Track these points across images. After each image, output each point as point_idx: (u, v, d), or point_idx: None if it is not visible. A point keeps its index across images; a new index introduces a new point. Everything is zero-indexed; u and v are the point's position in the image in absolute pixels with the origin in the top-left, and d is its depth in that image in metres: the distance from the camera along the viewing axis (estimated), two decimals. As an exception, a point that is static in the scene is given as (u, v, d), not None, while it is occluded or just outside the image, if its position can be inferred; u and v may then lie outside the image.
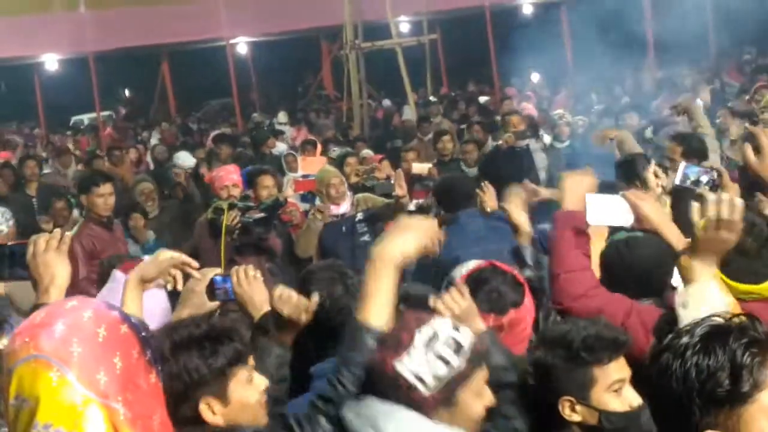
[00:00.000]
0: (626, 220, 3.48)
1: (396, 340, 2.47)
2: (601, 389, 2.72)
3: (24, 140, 24.15)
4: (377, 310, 2.63)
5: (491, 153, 9.87)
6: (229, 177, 7.83)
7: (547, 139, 10.77)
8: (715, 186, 4.13)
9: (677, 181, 4.17)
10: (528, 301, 3.46)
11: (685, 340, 1.94)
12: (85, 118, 29.39)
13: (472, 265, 4.09)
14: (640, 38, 20.30)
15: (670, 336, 1.96)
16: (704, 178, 4.17)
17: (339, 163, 8.69)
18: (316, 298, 3.38)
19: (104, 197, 7.07)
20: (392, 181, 8.13)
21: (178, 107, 28.32)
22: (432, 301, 3.11)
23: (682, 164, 4.34)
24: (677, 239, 3.30)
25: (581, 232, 3.56)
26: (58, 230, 2.87)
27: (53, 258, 2.78)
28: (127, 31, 22.92)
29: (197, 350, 2.53)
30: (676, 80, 17.36)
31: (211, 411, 2.51)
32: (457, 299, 3.09)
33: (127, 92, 36.36)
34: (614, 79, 19.24)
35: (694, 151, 6.10)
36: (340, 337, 2.82)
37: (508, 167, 8.76)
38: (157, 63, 27.52)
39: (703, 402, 1.92)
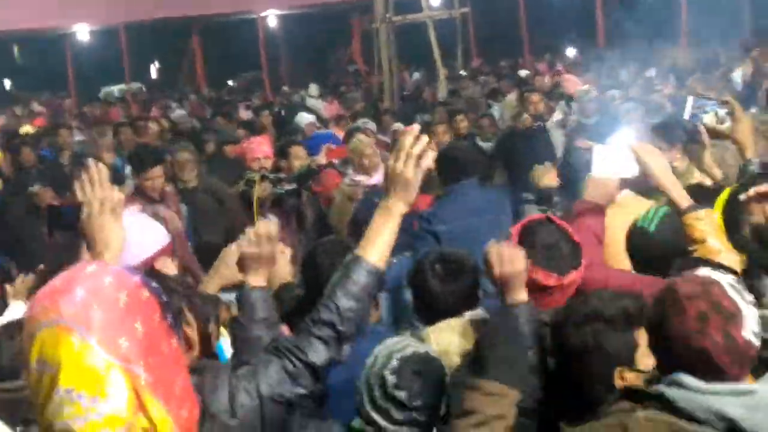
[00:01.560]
0: (632, 171, 3.44)
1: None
2: (642, 352, 2.69)
3: (53, 110, 24.29)
4: (377, 249, 2.65)
5: (506, 133, 9.79)
6: (260, 149, 7.81)
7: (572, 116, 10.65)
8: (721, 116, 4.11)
9: (686, 115, 4.12)
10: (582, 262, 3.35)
11: None
12: (115, 89, 29.51)
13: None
14: (674, 13, 20.07)
15: None
16: (711, 108, 4.13)
17: (280, 152, 8.52)
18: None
19: (152, 180, 6.94)
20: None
21: (208, 80, 28.37)
22: (488, 248, 3.03)
23: (690, 98, 4.28)
24: (680, 196, 3.25)
25: (597, 220, 3.57)
26: (113, 192, 2.73)
27: (108, 221, 2.67)
28: (158, 2, 22.96)
29: None
30: (710, 57, 17.14)
31: None
32: (514, 258, 3.00)
33: (156, 64, 36.43)
34: (647, 55, 19.05)
35: None
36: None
37: (523, 148, 8.71)
38: (188, 35, 27.56)
39: None
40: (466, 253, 3.70)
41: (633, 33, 18.23)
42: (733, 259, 3.11)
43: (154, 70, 36.59)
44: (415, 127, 2.77)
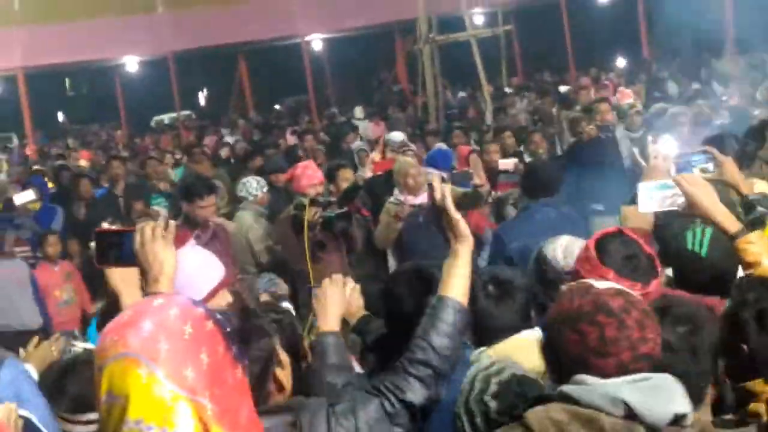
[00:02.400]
0: (678, 203, 3.43)
1: (649, 314, 2.47)
2: None
3: (105, 141, 24.69)
4: (458, 285, 2.82)
5: (574, 143, 9.79)
6: (316, 176, 7.84)
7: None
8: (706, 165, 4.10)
9: (673, 172, 4.09)
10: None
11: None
12: (166, 117, 29.92)
13: (564, 241, 4.11)
14: (719, 25, 19.91)
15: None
16: (696, 163, 4.12)
17: (328, 175, 8.60)
18: None
19: (205, 209, 7.02)
20: (470, 171, 8.15)
21: (255, 105, 28.63)
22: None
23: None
24: (729, 222, 3.24)
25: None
26: (163, 218, 2.88)
27: (161, 246, 2.77)
28: (204, 31, 23.28)
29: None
30: (758, 64, 16.97)
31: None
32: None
33: (205, 91, 36.87)
34: (693, 67, 18.93)
35: None
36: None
37: (592, 157, 8.71)
38: (234, 61, 27.87)
39: None
40: (518, 272, 3.71)
41: (679, 44, 18.14)
42: None
43: (202, 98, 37.05)
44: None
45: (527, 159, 9.82)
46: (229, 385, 1.93)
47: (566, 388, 2.36)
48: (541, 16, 24.42)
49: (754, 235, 3.15)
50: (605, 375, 2.37)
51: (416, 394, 2.61)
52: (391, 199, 8.02)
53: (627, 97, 13.03)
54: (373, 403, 2.59)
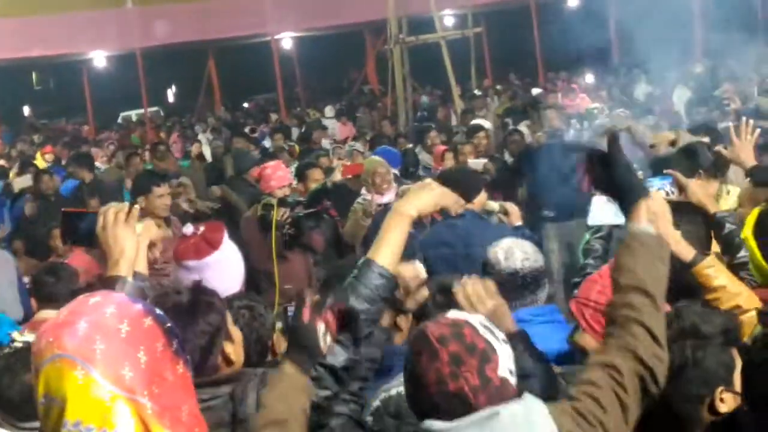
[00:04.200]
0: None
1: (474, 351, 2.28)
2: (737, 371, 2.67)
3: (71, 136, 24.48)
4: (387, 252, 2.73)
5: (525, 150, 9.81)
6: (286, 177, 7.87)
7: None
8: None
9: None
10: None
11: None
12: (133, 114, 29.73)
13: (506, 243, 4.11)
14: (687, 28, 20.07)
15: None
16: (656, 186, 4.14)
17: (298, 174, 8.58)
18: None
19: (163, 198, 7.08)
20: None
21: (224, 102, 28.53)
22: (456, 290, 3.02)
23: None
24: (684, 249, 3.18)
25: None
26: (126, 203, 2.87)
27: (122, 231, 2.79)
28: (173, 27, 23.14)
29: None
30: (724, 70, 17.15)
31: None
32: (481, 294, 2.99)
33: (173, 88, 36.69)
34: (662, 70, 19.05)
35: None
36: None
37: (541, 164, 8.74)
38: (204, 59, 27.74)
39: None
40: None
41: (647, 50, 18.23)
42: (754, 299, 3.13)
43: (171, 94, 36.87)
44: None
45: (507, 158, 9.87)
46: (170, 382, 1.92)
47: None
48: (511, 18, 24.51)
49: (710, 260, 3.12)
50: (436, 413, 2.25)
51: (336, 357, 2.63)
52: (359, 199, 8.05)
53: (585, 102, 13.16)
54: None
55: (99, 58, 25.08)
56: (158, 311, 1.99)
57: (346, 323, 2.65)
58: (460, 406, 2.21)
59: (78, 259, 8.24)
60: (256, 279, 7.39)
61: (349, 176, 8.05)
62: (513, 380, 2.28)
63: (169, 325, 1.97)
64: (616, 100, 14.93)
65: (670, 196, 4.11)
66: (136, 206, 2.86)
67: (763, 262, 3.26)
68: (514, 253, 4.02)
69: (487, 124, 11.41)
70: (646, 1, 17.91)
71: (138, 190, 7.17)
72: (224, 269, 3.14)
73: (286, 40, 27.22)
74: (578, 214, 5.22)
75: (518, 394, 2.28)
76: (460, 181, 6.18)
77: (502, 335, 2.35)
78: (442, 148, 10.25)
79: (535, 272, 3.95)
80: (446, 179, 6.53)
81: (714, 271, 3.10)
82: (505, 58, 26.08)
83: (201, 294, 2.92)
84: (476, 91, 19.36)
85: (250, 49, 28.19)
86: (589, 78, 20.15)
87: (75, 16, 22.32)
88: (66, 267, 5.82)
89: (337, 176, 7.62)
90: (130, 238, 2.80)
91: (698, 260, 3.12)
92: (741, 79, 14.54)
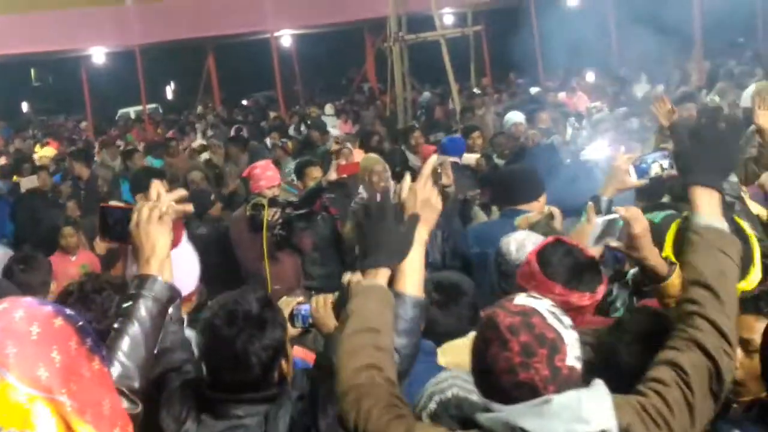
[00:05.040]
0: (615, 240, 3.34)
1: (544, 342, 2.29)
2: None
3: (70, 132, 24.48)
4: (413, 280, 2.75)
5: (516, 151, 9.81)
6: (276, 177, 7.82)
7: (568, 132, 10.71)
8: (664, 170, 4.14)
9: (633, 175, 4.11)
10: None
11: None
12: (131, 110, 29.72)
13: (520, 236, 4.12)
14: (687, 28, 20.08)
15: None
16: (657, 164, 4.15)
17: (297, 172, 8.56)
18: None
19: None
20: (439, 170, 8.14)
21: (223, 99, 28.50)
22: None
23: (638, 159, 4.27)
24: (660, 264, 3.17)
25: None
26: (163, 200, 2.79)
27: (155, 228, 2.72)
28: (172, 24, 23.13)
29: None
30: (723, 70, 17.14)
31: None
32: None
33: (172, 85, 36.67)
34: (661, 69, 19.08)
35: None
36: None
37: (535, 163, 8.74)
38: (203, 56, 27.72)
39: None
40: (464, 278, 3.73)
41: (647, 48, 18.25)
42: None
43: (169, 91, 36.85)
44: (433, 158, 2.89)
45: (496, 160, 9.85)
46: (87, 379, 1.92)
47: (479, 416, 2.30)
48: (511, 17, 24.49)
49: (678, 269, 3.09)
50: (500, 396, 2.28)
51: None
52: (357, 198, 8.00)
53: (583, 101, 13.18)
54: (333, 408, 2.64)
55: (98, 55, 25.06)
56: (68, 311, 2.00)
57: None
58: (529, 394, 2.24)
59: (84, 258, 8.25)
60: (244, 279, 7.42)
61: (345, 176, 8.01)
62: (579, 366, 2.30)
63: (81, 323, 1.98)
64: (615, 99, 14.92)
65: (667, 171, 4.14)
66: (173, 204, 2.79)
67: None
68: (526, 245, 4.04)
69: (520, 117, 11.28)
70: (645, 1, 17.93)
71: (137, 187, 7.14)
72: (179, 268, 3.13)
73: (286, 38, 27.21)
74: (571, 213, 5.19)
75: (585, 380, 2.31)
76: (524, 182, 6.11)
77: (568, 321, 2.36)
78: (431, 148, 10.18)
79: None
80: (503, 179, 6.47)
81: (677, 280, 3.07)
82: (504, 56, 26.02)
83: (269, 307, 2.93)
84: (475, 90, 19.35)
85: (249, 47, 28.17)
86: (590, 77, 20.16)
87: (74, 13, 22.31)
88: (39, 258, 5.71)
89: (333, 175, 7.57)
90: (163, 236, 2.73)
91: (672, 272, 3.11)
92: (738, 79, 14.50)
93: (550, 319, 2.31)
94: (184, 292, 3.08)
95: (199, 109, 26.72)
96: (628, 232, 3.16)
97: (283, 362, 2.95)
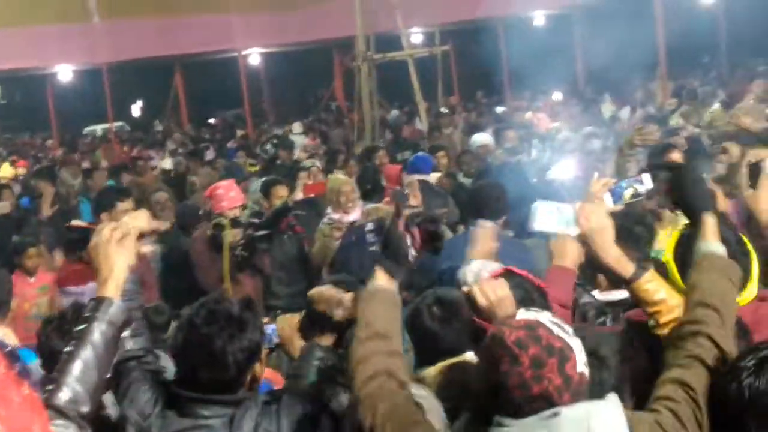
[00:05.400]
0: (572, 229, 3.33)
1: (553, 352, 2.34)
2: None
3: (36, 150, 24.27)
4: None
5: (483, 169, 9.86)
6: (239, 197, 7.80)
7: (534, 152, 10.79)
8: (638, 195, 4.20)
9: (608, 200, 4.15)
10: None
11: (742, 363, 2.14)
12: (98, 128, 29.53)
13: (475, 266, 4.15)
14: (651, 49, 20.31)
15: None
16: (631, 188, 4.20)
17: (263, 191, 8.57)
18: (350, 295, 3.44)
19: (127, 213, 7.00)
20: (406, 191, 8.16)
21: (191, 117, 28.40)
22: (466, 288, 3.09)
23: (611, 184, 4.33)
24: (623, 268, 3.12)
25: (564, 288, 3.66)
26: (125, 221, 2.80)
27: (114, 250, 2.70)
28: (140, 42, 23.03)
29: None
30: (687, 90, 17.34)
31: None
32: (495, 286, 3.04)
33: (139, 103, 36.50)
34: (626, 89, 19.27)
35: None
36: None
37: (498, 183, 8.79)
38: (170, 74, 27.63)
39: (757, 421, 2.27)
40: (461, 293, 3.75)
41: (612, 69, 18.42)
42: None
43: (137, 109, 36.67)
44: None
45: (461, 179, 9.89)
46: (17, 404, 1.90)
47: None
48: (479, 37, 24.62)
49: (650, 275, 3.09)
50: (514, 412, 2.32)
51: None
52: (325, 219, 8.00)
53: (544, 122, 13.29)
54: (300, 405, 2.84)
55: (65, 72, 24.89)
56: None
57: (431, 239, 2.92)
58: (545, 406, 2.28)
59: (43, 279, 8.18)
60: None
61: (311, 195, 8.02)
62: (587, 372, 2.35)
63: (9, 349, 1.98)
64: (580, 120, 15.04)
65: (640, 195, 4.20)
66: (134, 225, 2.80)
67: (682, 285, 3.25)
68: (482, 276, 4.06)
69: (488, 138, 11.36)
70: (610, 21, 18.12)
71: (101, 206, 7.09)
72: None
73: (254, 56, 27.17)
74: (537, 233, 5.24)
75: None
76: (492, 198, 6.17)
77: (570, 329, 2.41)
78: (396, 167, 10.19)
79: None
80: (472, 195, 6.49)
81: (654, 286, 3.07)
82: (472, 76, 26.19)
83: (249, 310, 2.96)
84: (443, 109, 19.43)
85: (217, 65, 28.11)
86: (556, 96, 20.31)
87: (41, 30, 22.14)
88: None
89: (299, 195, 7.57)
90: (123, 258, 2.72)
91: (638, 275, 3.08)
92: (702, 99, 14.70)
93: (555, 330, 2.37)
94: None
95: (156, 125, 26.57)
96: (581, 230, 3.16)
97: (257, 365, 2.97)
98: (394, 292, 2.70)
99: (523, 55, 18.38)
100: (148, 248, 6.97)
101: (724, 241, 3.27)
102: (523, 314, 2.45)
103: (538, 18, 23.97)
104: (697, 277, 2.75)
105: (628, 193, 4.18)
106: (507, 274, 3.42)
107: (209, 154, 16.29)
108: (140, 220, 2.88)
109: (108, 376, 2.63)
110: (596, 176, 4.33)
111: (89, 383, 2.51)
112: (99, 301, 2.64)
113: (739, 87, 16.01)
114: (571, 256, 3.71)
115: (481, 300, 3.01)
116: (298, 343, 3.59)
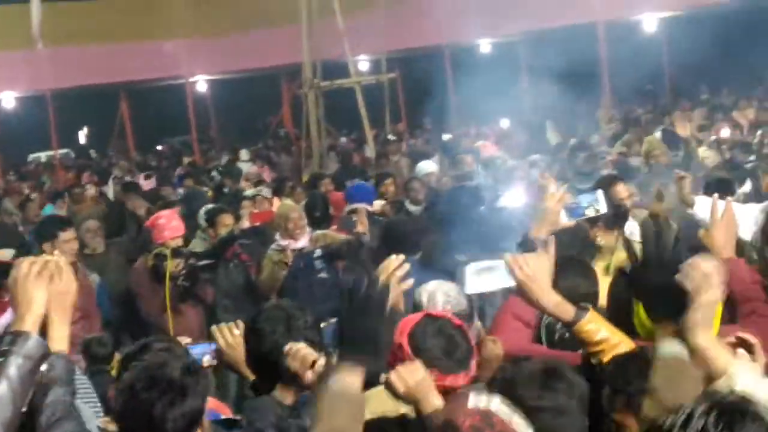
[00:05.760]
0: (508, 281, 3.30)
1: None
2: None
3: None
4: None
5: (436, 194, 9.90)
6: (180, 227, 7.77)
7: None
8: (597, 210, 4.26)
9: (564, 217, 4.21)
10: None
11: (668, 421, 2.15)
12: (42, 155, 29.17)
13: (431, 286, 4.15)
14: (596, 77, 20.61)
15: None
16: (592, 208, 4.27)
17: (208, 220, 8.54)
18: (323, 360, 3.30)
19: (69, 243, 6.94)
20: (354, 218, 8.17)
21: (138, 144, 28.19)
22: (383, 377, 3.01)
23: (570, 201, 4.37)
24: (562, 311, 3.16)
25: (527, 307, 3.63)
26: (44, 256, 2.79)
27: (32, 284, 2.69)
28: (85, 68, 22.86)
29: None
30: (631, 118, 17.63)
31: None
32: (410, 372, 2.99)
33: (85, 129, 36.14)
34: (570, 116, 19.47)
35: None
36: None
37: (452, 208, 8.83)
38: (116, 100, 27.43)
39: None
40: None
41: (558, 96, 18.62)
42: (631, 345, 3.16)
43: (82, 136, 36.30)
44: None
45: (409, 206, 9.88)
46: None
47: None
48: (426, 64, 24.78)
49: (588, 316, 3.12)
50: None
51: None
52: (273, 245, 7.97)
53: (488, 149, 13.43)
54: None
55: (8, 99, 24.59)
56: None
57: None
58: None
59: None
60: (146, 331, 7.32)
61: (258, 223, 8.01)
62: None
63: None
64: (526, 147, 15.18)
65: (598, 212, 4.25)
66: (53, 259, 2.78)
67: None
68: (436, 295, 4.08)
69: (433, 166, 11.44)
70: (555, 49, 18.32)
71: (42, 236, 7.01)
72: None
73: (201, 83, 27.07)
74: (490, 256, 5.28)
75: None
76: (406, 235, 6.18)
77: (521, 417, 2.43)
78: (339, 195, 10.18)
79: (457, 315, 3.96)
80: (386, 230, 6.53)
81: (595, 326, 3.10)
82: (419, 103, 26.33)
83: (192, 374, 2.90)
84: (390, 136, 19.50)
85: (163, 92, 27.94)
86: (503, 123, 20.47)
87: (-17, 57, 21.92)
88: None
89: (245, 223, 7.56)
90: (40, 293, 2.70)
91: (579, 317, 3.11)
92: (646, 127, 14.93)
93: (508, 416, 2.39)
94: None
95: (92, 154, 26.35)
96: (516, 281, 3.17)
97: (198, 431, 2.92)
98: (360, 397, 2.58)
99: (469, 83, 18.53)
100: (94, 277, 6.93)
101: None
102: (474, 399, 2.43)
103: (484, 46, 24.18)
104: (657, 379, 2.71)
105: (589, 212, 4.24)
106: (427, 320, 3.35)
107: (150, 184, 16.12)
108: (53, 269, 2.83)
109: (24, 410, 2.58)
110: (552, 189, 4.37)
111: (4, 418, 2.47)
112: (16, 335, 2.60)
113: (682, 115, 16.29)
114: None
115: (399, 387, 2.96)
116: (242, 358, 3.53)
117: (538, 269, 3.12)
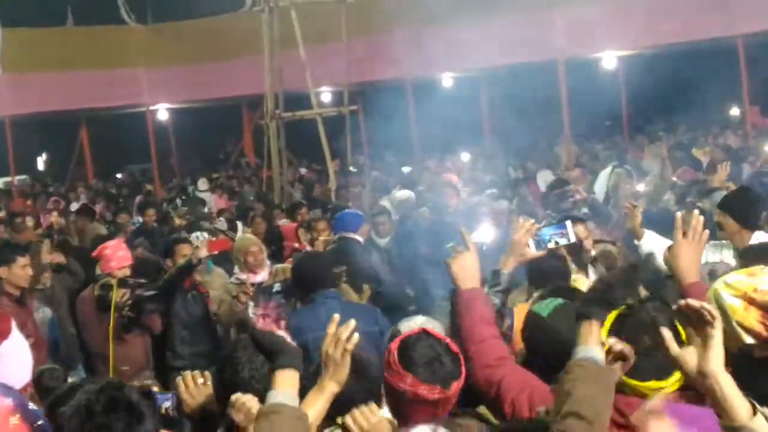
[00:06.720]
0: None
1: None
2: None
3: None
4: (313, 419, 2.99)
5: (401, 228, 9.93)
6: (127, 257, 7.73)
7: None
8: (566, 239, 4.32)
9: (533, 249, 4.27)
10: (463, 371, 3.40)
11: None
12: (0, 182, 28.86)
13: (419, 320, 4.19)
14: (555, 112, 20.81)
15: None
16: (558, 239, 4.33)
17: (165, 250, 8.53)
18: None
19: (26, 268, 6.90)
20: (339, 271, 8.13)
21: (97, 173, 27.99)
22: (341, 419, 3.11)
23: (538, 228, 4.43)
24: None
25: (484, 306, 3.67)
26: None
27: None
28: (44, 95, 22.70)
29: None
30: (589, 154, 17.81)
31: None
32: (365, 415, 3.10)
33: (44, 156, 35.83)
34: (530, 152, 19.65)
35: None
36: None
37: (413, 240, 8.87)
38: (76, 128, 27.24)
39: None
40: (366, 355, 3.75)
41: (518, 131, 18.79)
42: None
43: (41, 162, 35.96)
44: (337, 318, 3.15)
45: (375, 238, 9.84)
46: None
47: None
48: (388, 97, 24.90)
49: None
50: None
51: None
52: (232, 278, 7.92)
53: (453, 179, 13.53)
54: None
55: (-34, 126, 24.35)
56: (30, 406, 1.91)
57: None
58: None
59: None
60: (92, 361, 7.27)
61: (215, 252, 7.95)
62: None
63: (40, 422, 1.89)
64: (487, 181, 15.28)
65: (559, 246, 4.30)
66: None
67: None
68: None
69: (408, 193, 11.56)
70: (516, 84, 18.53)
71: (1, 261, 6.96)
72: (15, 358, 3.01)
73: (162, 112, 26.98)
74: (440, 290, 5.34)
75: None
76: (320, 270, 6.23)
77: None
78: (292, 225, 10.13)
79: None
80: (299, 268, 6.56)
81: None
82: (381, 135, 26.41)
83: (148, 400, 2.85)
84: (351, 168, 19.52)
85: (124, 119, 27.79)
86: (464, 156, 20.58)
87: (-59, 83, 21.71)
88: None
89: (203, 252, 7.50)
90: None
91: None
92: (604, 162, 15.07)
93: None
94: (17, 386, 2.97)
95: (36, 187, 26.15)
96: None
97: None
98: (299, 410, 2.62)
99: (431, 116, 18.64)
100: (47, 312, 6.86)
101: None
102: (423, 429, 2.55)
103: (446, 80, 24.34)
104: (569, 383, 2.74)
105: (551, 243, 4.29)
106: (422, 334, 3.41)
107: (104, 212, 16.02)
108: None
109: None
110: (520, 220, 4.42)
111: None
112: None
113: (638, 151, 16.49)
114: (471, 274, 3.75)
115: (355, 430, 3.07)
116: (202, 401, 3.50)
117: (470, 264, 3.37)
